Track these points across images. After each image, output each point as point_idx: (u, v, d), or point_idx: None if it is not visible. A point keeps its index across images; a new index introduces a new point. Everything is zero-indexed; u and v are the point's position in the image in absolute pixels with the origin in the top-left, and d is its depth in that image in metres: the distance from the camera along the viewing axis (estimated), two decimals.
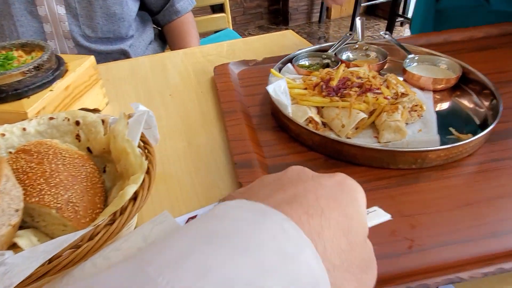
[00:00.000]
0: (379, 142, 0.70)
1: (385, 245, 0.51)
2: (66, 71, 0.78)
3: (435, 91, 0.85)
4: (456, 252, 0.50)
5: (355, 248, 0.30)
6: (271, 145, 0.72)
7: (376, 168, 0.65)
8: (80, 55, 0.86)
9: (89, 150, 0.57)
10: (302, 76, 0.87)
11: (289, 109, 0.73)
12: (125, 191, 0.44)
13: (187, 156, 0.73)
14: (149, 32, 1.43)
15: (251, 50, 1.12)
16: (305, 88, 0.77)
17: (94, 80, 0.86)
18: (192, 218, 0.59)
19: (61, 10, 1.16)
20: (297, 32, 4.05)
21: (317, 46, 0.98)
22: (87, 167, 0.51)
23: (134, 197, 0.44)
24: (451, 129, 0.72)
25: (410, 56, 0.91)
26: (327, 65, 0.94)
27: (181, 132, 0.80)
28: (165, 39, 1.53)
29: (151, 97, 0.95)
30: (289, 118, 0.71)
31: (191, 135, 0.79)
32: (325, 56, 0.95)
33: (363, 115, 0.72)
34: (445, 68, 0.89)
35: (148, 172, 0.47)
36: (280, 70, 0.91)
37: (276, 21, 4.23)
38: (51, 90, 0.72)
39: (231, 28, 2.04)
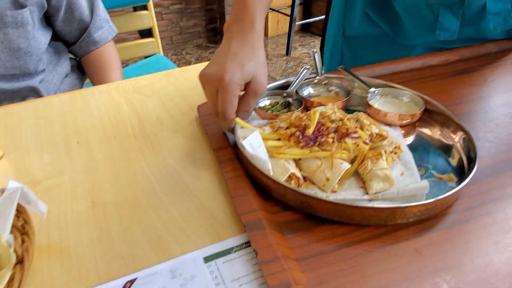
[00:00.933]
0: (367, 193, 0.65)
1: None
2: None
3: (401, 126, 0.83)
4: None
5: None
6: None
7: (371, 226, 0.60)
8: None
9: None
10: (267, 121, 0.80)
11: (269, 165, 0.65)
12: None
13: (89, 220, 0.62)
14: (65, 65, 1.26)
15: (178, 84, 1.00)
16: (279, 139, 0.70)
17: None
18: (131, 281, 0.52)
19: None
20: None
21: (275, 83, 0.92)
22: None
23: None
24: (433, 171, 0.70)
25: (371, 89, 0.89)
26: (289, 104, 0.88)
27: (85, 189, 0.69)
28: (83, 70, 1.37)
29: (54, 146, 0.81)
30: (270, 177, 0.63)
31: (96, 192, 0.68)
32: (286, 94, 0.89)
33: (347, 165, 0.66)
34: (408, 101, 0.88)
35: (21, 261, 0.43)
36: None
37: (215, 40, 4.19)
38: None
39: (161, 53, 1.91)
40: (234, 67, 0.69)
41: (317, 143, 0.68)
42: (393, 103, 0.88)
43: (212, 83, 0.70)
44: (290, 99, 0.89)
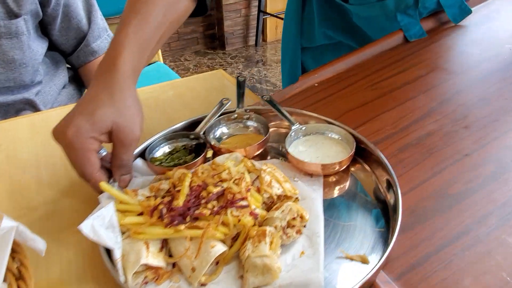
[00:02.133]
0: None
1: None
2: None
3: (326, 176, 0.67)
4: None
5: None
6: None
7: None
8: None
9: None
10: (154, 177, 0.65)
11: (116, 254, 0.51)
12: None
13: (95, 254, 0.54)
14: (62, 75, 1.19)
15: (176, 98, 0.91)
16: (141, 213, 0.55)
17: None
18: None
19: None
20: (234, 56, 3.86)
21: (184, 122, 0.77)
22: None
23: None
24: (340, 250, 0.54)
25: (294, 127, 0.72)
26: (197, 148, 0.73)
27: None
28: (82, 81, 1.28)
29: (52, 165, 0.73)
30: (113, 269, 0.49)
31: None
32: (193, 136, 0.74)
33: (220, 249, 0.51)
34: (340, 140, 0.71)
35: None
36: None
37: (213, 46, 4.08)
38: None
39: (161, 61, 1.80)
40: (81, 118, 0.56)
41: (188, 218, 0.53)
42: (323, 143, 0.71)
43: (60, 141, 0.57)
44: (197, 142, 0.74)
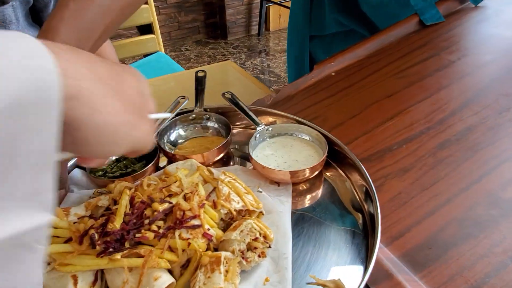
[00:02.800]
0: None
1: None
2: None
3: (296, 184, 0.58)
4: None
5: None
6: None
7: None
8: None
9: None
10: (94, 191, 0.55)
11: None
12: None
13: None
14: None
15: (184, 87, 0.81)
16: (70, 239, 0.45)
17: None
18: None
19: None
20: (237, 46, 3.64)
21: None
22: None
23: None
24: (311, 275, 0.45)
25: (259, 128, 0.63)
26: (148, 154, 0.63)
27: None
28: None
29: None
30: None
31: None
32: None
33: (166, 281, 0.42)
34: (309, 141, 0.62)
35: None
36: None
37: (214, 35, 3.88)
38: None
39: (162, 51, 1.66)
40: None
41: (126, 244, 0.44)
42: (292, 146, 0.63)
43: None
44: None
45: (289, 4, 3.50)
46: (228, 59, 3.37)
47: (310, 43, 1.09)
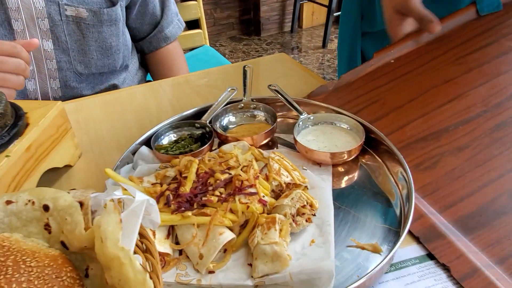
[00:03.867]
0: (252, 276, 0.48)
1: None
2: (27, 125, 0.58)
3: (335, 165, 0.65)
4: None
5: None
6: None
7: None
8: (44, 101, 0.67)
9: (63, 244, 0.43)
10: (160, 165, 0.64)
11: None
12: None
13: None
14: (134, 61, 1.19)
15: (232, 79, 0.92)
16: None
17: (64, 130, 0.65)
18: None
19: (47, 46, 0.93)
20: (270, 43, 3.66)
21: (189, 111, 0.76)
22: (63, 278, 0.39)
23: None
24: (352, 239, 0.52)
25: (302, 117, 0.71)
26: (202, 137, 0.71)
27: None
28: (146, 67, 1.28)
29: (131, 140, 0.71)
30: None
31: None
32: (199, 125, 0.73)
33: (228, 236, 0.50)
34: (349, 130, 0.69)
35: None
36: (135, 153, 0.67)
37: (248, 31, 3.97)
38: (7, 156, 0.53)
39: (208, 44, 1.78)
40: None
41: (195, 205, 0.52)
42: (328, 134, 0.70)
43: None
44: (203, 131, 0.73)
45: (322, 1, 3.55)
46: (262, 55, 3.43)
47: (362, 40, 1.10)
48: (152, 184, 0.57)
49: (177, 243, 0.53)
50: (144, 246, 0.43)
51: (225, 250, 0.52)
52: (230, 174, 0.56)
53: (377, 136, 0.66)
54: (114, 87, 1.10)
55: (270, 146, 0.72)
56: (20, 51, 0.74)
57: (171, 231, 0.53)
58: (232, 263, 0.50)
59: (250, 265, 0.50)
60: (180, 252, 0.52)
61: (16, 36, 0.90)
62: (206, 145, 0.67)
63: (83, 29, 0.95)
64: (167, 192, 0.52)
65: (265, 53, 3.55)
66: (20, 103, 0.61)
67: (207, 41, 1.72)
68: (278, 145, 0.73)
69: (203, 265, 0.49)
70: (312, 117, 0.71)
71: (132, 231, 0.40)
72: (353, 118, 0.69)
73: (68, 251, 0.44)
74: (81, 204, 0.44)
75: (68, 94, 1.02)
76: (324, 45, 3.53)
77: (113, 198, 0.46)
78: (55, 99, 1.00)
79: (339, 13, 3.82)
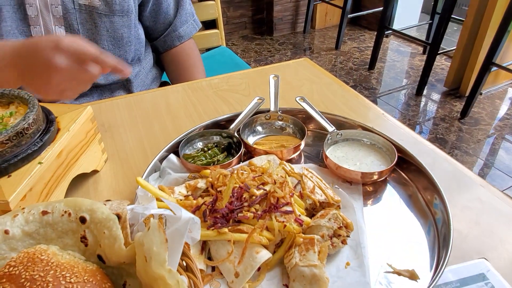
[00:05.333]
0: None
1: None
2: (58, 130, 0.56)
3: (364, 184, 0.65)
4: None
5: None
6: None
7: None
8: (74, 105, 0.63)
9: (100, 258, 0.42)
10: (188, 175, 0.63)
11: None
12: None
13: None
14: (149, 58, 1.18)
15: (267, 83, 0.87)
16: None
17: (92, 135, 0.64)
18: None
19: (59, 32, 0.92)
20: (282, 43, 3.53)
21: (216, 119, 0.75)
22: None
23: None
24: (388, 263, 0.52)
25: (332, 132, 0.70)
26: (229, 146, 0.71)
27: None
28: (162, 66, 1.27)
29: (156, 146, 0.73)
30: None
31: None
32: (226, 135, 0.72)
33: (265, 255, 0.49)
34: (379, 149, 0.69)
35: None
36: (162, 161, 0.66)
37: (261, 31, 3.95)
38: (40, 163, 0.51)
39: (224, 45, 1.75)
40: None
41: (231, 221, 0.51)
42: (360, 150, 0.69)
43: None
44: (230, 141, 0.72)
45: (337, 2, 3.53)
46: (274, 56, 3.40)
47: None
48: (184, 196, 0.56)
49: (209, 258, 0.52)
50: (184, 263, 0.43)
51: (259, 269, 0.51)
52: (265, 190, 0.55)
53: (408, 157, 0.65)
54: (127, 80, 1.09)
55: (296, 160, 0.72)
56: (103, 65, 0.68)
57: (204, 246, 0.52)
58: (267, 283, 0.50)
59: (285, 285, 0.49)
60: (213, 268, 0.51)
61: (30, 21, 0.89)
62: (235, 157, 0.66)
63: (95, 18, 0.95)
64: (204, 207, 0.51)
65: (277, 53, 3.53)
66: (50, 106, 0.60)
67: (224, 41, 1.70)
68: (303, 160, 0.72)
69: (238, 284, 0.48)
70: (341, 133, 0.71)
71: (176, 251, 0.39)
72: (384, 137, 0.68)
73: (105, 265, 0.43)
74: (119, 217, 0.43)
75: None
76: (337, 46, 3.51)
77: (153, 214, 0.45)
78: None
79: (354, 14, 3.84)
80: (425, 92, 2.72)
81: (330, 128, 0.71)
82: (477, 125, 2.37)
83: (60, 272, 0.38)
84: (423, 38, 3.27)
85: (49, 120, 0.56)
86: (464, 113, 2.43)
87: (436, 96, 2.72)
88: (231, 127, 0.72)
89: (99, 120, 0.81)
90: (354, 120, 0.74)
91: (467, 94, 2.57)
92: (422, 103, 2.65)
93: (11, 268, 0.37)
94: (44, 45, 0.64)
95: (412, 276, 0.50)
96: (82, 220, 0.43)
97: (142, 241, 0.38)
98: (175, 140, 0.69)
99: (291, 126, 0.75)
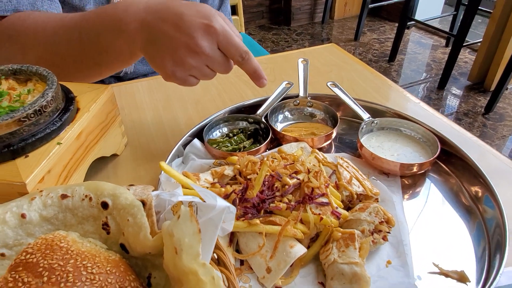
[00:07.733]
0: None
1: None
2: (78, 110, 0.53)
3: (403, 176, 0.60)
4: None
5: None
6: None
7: None
8: (94, 84, 0.59)
9: (123, 247, 0.39)
10: (214, 161, 0.59)
11: None
12: None
13: None
14: None
15: (293, 68, 0.84)
16: None
17: (113, 117, 0.60)
18: None
19: None
20: (300, 33, 3.47)
21: (240, 104, 0.71)
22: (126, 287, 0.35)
23: None
24: (434, 263, 0.47)
25: (367, 119, 0.65)
26: (255, 133, 0.66)
27: None
28: None
29: (177, 130, 0.70)
30: None
31: None
32: (252, 120, 0.68)
33: (300, 251, 0.45)
34: (418, 139, 0.64)
35: None
36: (186, 145, 0.62)
37: (278, 21, 3.86)
38: (59, 143, 0.48)
39: (244, 32, 1.70)
40: None
41: (262, 211, 0.47)
42: (397, 140, 0.64)
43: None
44: (257, 126, 0.67)
45: None
46: (292, 46, 3.34)
47: None
48: (211, 184, 0.52)
49: (237, 251, 0.48)
50: (215, 255, 0.39)
51: (291, 265, 0.47)
52: (298, 179, 0.51)
53: (453, 149, 0.60)
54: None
55: (326, 149, 0.67)
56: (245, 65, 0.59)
57: (232, 238, 0.48)
58: (300, 280, 0.46)
59: (321, 283, 0.45)
60: (242, 261, 0.47)
61: None
62: (264, 144, 0.61)
63: None
64: (233, 196, 0.47)
65: (294, 43, 3.45)
66: (69, 85, 0.56)
67: (243, 28, 1.65)
68: (334, 149, 0.67)
69: (271, 280, 0.44)
70: (376, 121, 0.66)
71: (209, 243, 0.35)
72: (425, 127, 0.63)
73: (128, 255, 0.40)
74: (143, 203, 0.40)
75: None
76: (356, 37, 3.42)
77: (182, 201, 0.41)
78: None
79: (374, 4, 3.73)
80: (447, 85, 2.63)
81: (365, 115, 0.66)
82: (502, 121, 2.28)
83: (81, 261, 0.35)
84: (446, 30, 3.16)
85: (69, 98, 0.53)
86: (489, 108, 2.34)
87: (459, 90, 2.63)
88: (258, 112, 0.68)
89: (119, 103, 0.77)
90: (390, 108, 0.69)
91: (492, 88, 2.48)
92: (445, 97, 2.56)
93: (28, 256, 0.33)
94: (192, 19, 0.54)
95: (462, 278, 0.45)
96: (104, 205, 0.40)
97: (172, 231, 0.34)
98: (199, 124, 0.65)
99: (321, 113, 0.70)
